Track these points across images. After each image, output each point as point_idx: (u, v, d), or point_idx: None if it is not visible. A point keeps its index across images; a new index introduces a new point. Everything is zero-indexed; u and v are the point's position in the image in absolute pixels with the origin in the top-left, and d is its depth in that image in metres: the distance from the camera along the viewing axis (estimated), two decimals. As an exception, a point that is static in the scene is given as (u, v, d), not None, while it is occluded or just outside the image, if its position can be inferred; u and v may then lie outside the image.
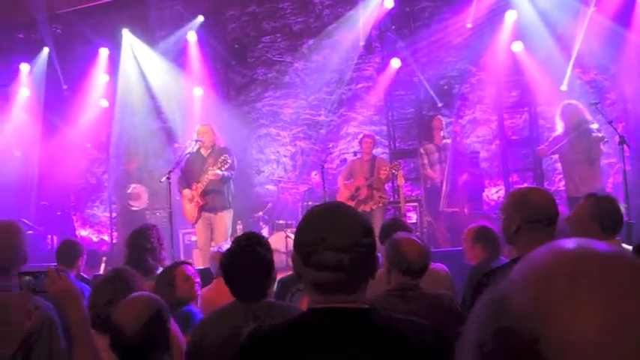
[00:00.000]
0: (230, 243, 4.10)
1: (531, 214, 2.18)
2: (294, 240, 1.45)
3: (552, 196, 2.31)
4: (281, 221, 7.97)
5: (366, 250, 1.39)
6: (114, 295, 2.44)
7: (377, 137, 8.28)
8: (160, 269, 3.82)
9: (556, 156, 7.89)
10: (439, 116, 7.60)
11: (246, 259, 2.40)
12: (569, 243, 0.59)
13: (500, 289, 0.59)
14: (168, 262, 4.05)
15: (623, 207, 4.25)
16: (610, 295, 0.53)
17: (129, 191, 8.37)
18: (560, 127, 6.35)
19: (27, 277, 2.15)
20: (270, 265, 2.43)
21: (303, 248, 1.41)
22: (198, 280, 3.27)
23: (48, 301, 2.23)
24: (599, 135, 6.07)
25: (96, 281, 3.05)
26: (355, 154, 7.84)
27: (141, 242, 3.79)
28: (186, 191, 6.46)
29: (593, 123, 6.13)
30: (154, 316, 1.96)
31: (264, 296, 2.39)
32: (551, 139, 6.50)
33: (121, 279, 2.56)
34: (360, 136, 7.68)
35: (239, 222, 7.68)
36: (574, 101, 6.51)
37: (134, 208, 8.30)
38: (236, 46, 9.79)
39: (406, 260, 2.70)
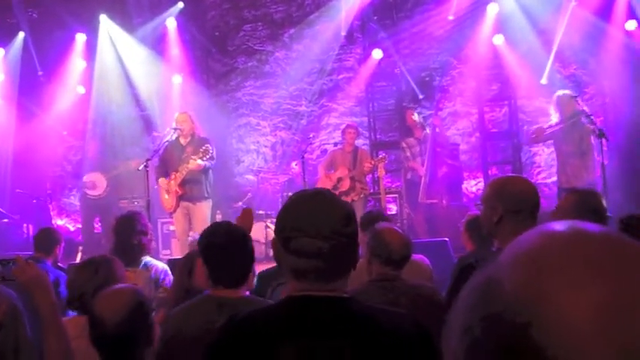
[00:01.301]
0: None
1: (513, 203, 2.12)
2: (275, 226, 1.43)
3: (533, 185, 2.29)
4: (261, 211, 7.92)
5: (346, 239, 1.37)
6: (95, 276, 2.42)
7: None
8: (147, 258, 3.77)
9: (535, 149, 7.98)
10: (410, 111, 7.58)
11: (227, 238, 2.37)
12: (560, 225, 0.57)
13: (488, 274, 0.56)
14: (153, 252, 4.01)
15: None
16: (604, 275, 0.51)
17: (84, 180, 8.25)
18: (554, 118, 6.32)
19: None
20: (251, 250, 2.41)
21: (282, 234, 1.39)
22: None
23: (16, 289, 2.17)
24: (590, 127, 6.05)
25: (74, 266, 2.99)
26: (336, 144, 7.82)
27: (128, 230, 3.71)
28: (162, 180, 6.37)
29: (587, 114, 6.10)
30: (135, 309, 1.92)
31: (244, 283, 2.36)
32: (546, 126, 6.45)
33: (100, 265, 2.52)
34: (343, 126, 7.66)
35: (218, 212, 7.61)
36: (568, 91, 6.51)
37: (91, 197, 8.17)
38: (216, 33, 9.68)
39: (388, 250, 2.68)
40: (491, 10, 8.15)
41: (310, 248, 1.34)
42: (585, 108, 6.27)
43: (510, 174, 8.12)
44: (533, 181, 8.12)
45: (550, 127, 6.33)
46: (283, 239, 1.38)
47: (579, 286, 0.50)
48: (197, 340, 2.20)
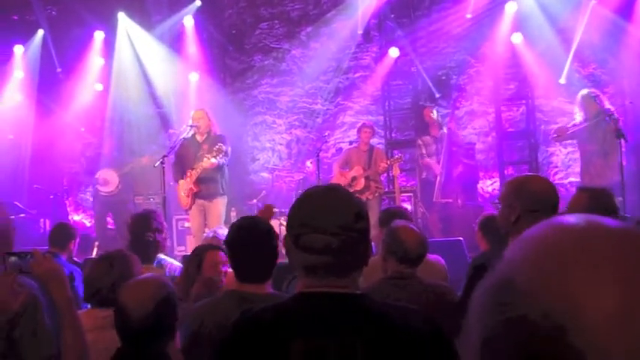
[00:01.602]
0: (224, 227, 4.06)
1: (532, 202, 2.09)
2: (287, 221, 1.42)
3: (553, 184, 2.26)
4: (275, 209, 7.92)
5: (357, 235, 1.35)
6: (111, 271, 2.43)
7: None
8: (161, 255, 3.79)
9: (552, 149, 7.90)
10: (429, 107, 7.56)
11: (253, 233, 2.36)
12: (574, 218, 0.54)
13: (501, 274, 0.54)
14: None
15: (618, 201, 4.23)
16: (627, 271, 0.48)
17: (96, 176, 8.31)
18: (579, 117, 6.25)
19: (12, 258, 2.13)
20: (276, 245, 2.40)
21: (293, 229, 1.38)
22: (225, 268, 3.15)
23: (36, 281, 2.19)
24: (615, 127, 5.93)
25: (91, 260, 3.02)
26: (351, 143, 7.80)
27: (143, 227, 3.71)
28: (182, 182, 6.42)
29: (612, 114, 6.02)
30: (162, 301, 1.91)
31: (268, 279, 2.34)
32: (569, 125, 6.40)
33: (118, 259, 2.54)
34: (359, 125, 7.64)
35: (233, 209, 7.64)
36: (594, 90, 6.44)
37: (103, 194, 8.22)
38: (233, 31, 9.70)
39: (403, 248, 2.67)
40: (510, 8, 8.07)
41: (319, 244, 1.32)
42: (610, 107, 6.19)
43: (529, 173, 8.06)
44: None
45: (574, 125, 6.27)
46: (294, 235, 1.37)
47: (603, 283, 0.48)
48: (215, 336, 2.20)
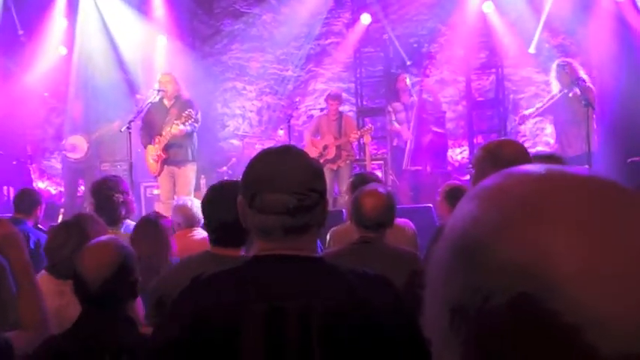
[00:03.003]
0: (193, 199, 4.01)
1: (504, 167, 2.09)
2: (241, 182, 1.37)
3: (525, 149, 2.26)
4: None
5: (314, 194, 1.31)
6: (69, 240, 2.39)
7: (343, 94, 8.20)
8: (128, 221, 3.73)
9: (518, 117, 7.97)
10: (404, 75, 7.55)
11: (231, 194, 2.31)
12: (535, 167, 0.49)
13: (466, 231, 0.48)
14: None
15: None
16: (596, 218, 0.44)
17: (63, 142, 8.14)
18: (555, 88, 6.37)
19: None
20: None
21: (248, 190, 1.33)
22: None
23: None
24: (579, 94, 6.01)
25: (53, 226, 2.97)
26: (322, 110, 7.76)
27: (107, 190, 3.65)
28: (150, 147, 6.32)
29: (584, 82, 6.13)
30: (119, 266, 1.89)
31: (243, 243, 2.31)
32: (546, 99, 6.54)
33: (78, 224, 2.49)
34: (326, 94, 7.59)
35: (202, 176, 7.56)
36: (568, 59, 6.54)
37: (71, 160, 8.06)
38: (202, -6, 9.46)
39: (363, 214, 2.66)
40: (483, -24, 8.03)
41: (276, 204, 1.28)
42: (584, 76, 6.28)
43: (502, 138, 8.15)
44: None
45: (551, 97, 6.39)
46: (248, 195, 1.32)
47: (572, 233, 0.44)
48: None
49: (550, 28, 8.00)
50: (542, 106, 6.51)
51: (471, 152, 8.34)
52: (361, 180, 3.47)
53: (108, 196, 3.60)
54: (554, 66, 6.44)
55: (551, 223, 0.44)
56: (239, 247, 2.31)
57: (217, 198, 2.30)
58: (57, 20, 8.98)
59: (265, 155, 1.39)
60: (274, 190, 1.30)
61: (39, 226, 4.76)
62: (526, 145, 8.26)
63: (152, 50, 8.94)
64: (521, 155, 2.15)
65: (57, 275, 2.44)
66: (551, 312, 0.42)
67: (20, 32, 8.94)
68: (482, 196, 0.49)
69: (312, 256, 1.37)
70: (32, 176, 9.11)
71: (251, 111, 9.47)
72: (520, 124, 7.10)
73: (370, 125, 7.30)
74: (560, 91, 6.27)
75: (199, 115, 6.30)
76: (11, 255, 1.94)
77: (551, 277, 0.43)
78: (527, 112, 6.84)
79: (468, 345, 0.46)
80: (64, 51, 9.00)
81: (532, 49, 7.76)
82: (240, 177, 1.39)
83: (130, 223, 3.78)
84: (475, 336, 0.46)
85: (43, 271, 2.63)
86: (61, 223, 2.61)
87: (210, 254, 2.32)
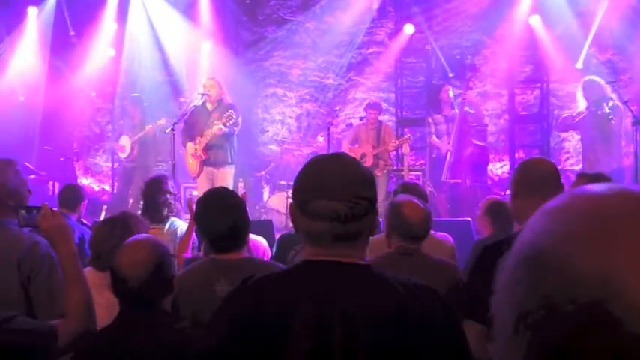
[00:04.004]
0: None
1: (537, 187, 2.16)
2: (293, 188, 1.39)
3: (557, 170, 2.29)
4: (282, 182, 7.94)
5: (365, 203, 1.32)
6: (113, 234, 2.46)
7: (383, 104, 8.20)
8: (173, 218, 3.87)
9: (565, 134, 7.84)
10: (447, 86, 7.50)
11: (221, 200, 2.40)
12: (600, 187, 0.53)
13: (532, 245, 0.52)
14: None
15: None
16: None
17: (116, 143, 8.37)
18: (581, 104, 6.37)
19: (22, 212, 2.15)
20: (245, 210, 2.42)
21: (299, 196, 1.35)
22: None
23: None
24: (608, 111, 6.05)
25: (99, 221, 3.07)
26: (361, 119, 7.77)
27: (152, 190, 3.87)
28: (189, 145, 6.43)
29: (613, 100, 6.11)
30: (156, 263, 1.94)
31: (242, 246, 2.38)
32: (574, 114, 6.54)
33: (123, 220, 2.56)
34: (365, 103, 7.60)
35: (240, 180, 7.65)
36: (595, 77, 6.49)
37: (122, 159, 8.27)
38: (247, 1, 9.60)
39: (406, 223, 2.65)
40: (530, -12, 7.94)
41: (326, 211, 1.29)
42: (613, 95, 6.24)
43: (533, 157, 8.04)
44: (560, 167, 7.99)
45: (578, 114, 6.37)
46: (300, 202, 1.34)
47: None
48: (196, 301, 2.23)
49: (598, 43, 7.84)
50: (577, 116, 6.47)
51: (511, 167, 8.22)
52: (405, 190, 3.45)
53: (153, 195, 3.74)
54: (582, 82, 6.47)
55: (621, 238, 0.48)
56: (239, 249, 2.36)
57: (208, 208, 2.39)
58: (107, 23, 9.24)
59: (317, 162, 1.40)
60: (326, 197, 1.30)
61: (82, 220, 4.89)
62: (569, 162, 8.13)
63: (197, 55, 9.12)
64: (552, 175, 2.22)
65: (100, 267, 2.51)
66: (618, 321, 0.45)
67: (72, 33, 9.24)
68: (554, 213, 0.53)
69: (361, 264, 1.36)
70: (77, 173, 9.36)
71: (290, 117, 9.54)
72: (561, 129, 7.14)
73: (409, 135, 7.26)
74: (587, 108, 6.27)
75: (240, 119, 6.38)
76: (60, 246, 1.99)
77: (621, 288, 0.46)
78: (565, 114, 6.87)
79: (532, 350, 0.50)
80: (112, 53, 9.25)
81: (579, 65, 7.62)
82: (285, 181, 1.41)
83: (175, 221, 3.89)
84: (540, 341, 0.49)
85: (88, 267, 2.71)
86: (107, 218, 2.70)
87: (213, 260, 2.39)
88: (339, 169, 1.34)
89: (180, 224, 3.90)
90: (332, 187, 1.31)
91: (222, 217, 2.35)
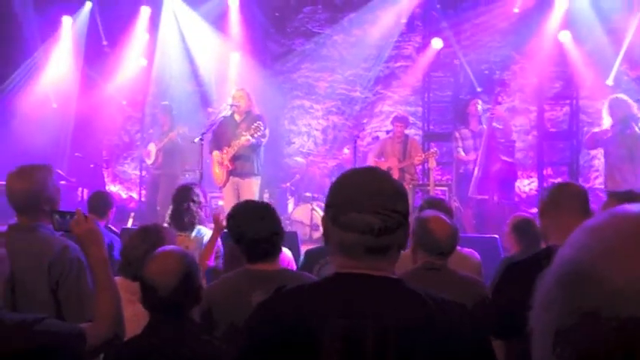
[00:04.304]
0: None
1: (566, 209, 2.24)
2: (326, 200, 1.40)
3: (585, 192, 2.33)
4: (307, 194, 7.96)
5: (397, 217, 1.32)
6: (144, 242, 2.50)
7: (410, 118, 8.18)
8: (200, 226, 3.92)
9: (595, 152, 7.72)
10: (476, 101, 7.44)
11: (258, 208, 2.41)
12: (634, 207, 0.55)
13: (570, 263, 0.53)
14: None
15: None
16: None
17: (146, 148, 8.50)
18: (606, 122, 6.29)
19: (56, 216, 2.19)
20: (280, 221, 2.44)
21: (333, 208, 1.35)
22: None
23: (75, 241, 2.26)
24: (638, 131, 5.97)
25: (129, 231, 3.13)
26: (388, 132, 7.76)
27: (181, 198, 3.96)
28: (216, 153, 6.48)
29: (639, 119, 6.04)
30: (184, 273, 1.96)
31: (276, 255, 2.39)
32: (597, 130, 6.46)
33: (151, 233, 2.60)
34: (392, 117, 7.59)
35: (266, 191, 7.69)
36: (622, 95, 6.39)
37: (150, 167, 8.39)
38: (276, 14, 9.70)
39: (433, 239, 2.63)
40: (560, 4, 7.87)
41: (360, 223, 1.30)
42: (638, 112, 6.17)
43: (565, 178, 7.92)
44: (589, 185, 7.88)
45: (604, 132, 6.32)
46: (333, 214, 1.34)
47: None
48: (231, 313, 2.23)
49: (630, 59, 7.73)
50: (601, 135, 6.40)
51: (539, 184, 8.12)
52: (431, 205, 3.43)
53: (181, 202, 3.80)
54: (609, 100, 6.37)
55: None
56: (274, 259, 2.37)
57: (243, 217, 2.41)
58: (139, 33, 9.42)
59: (351, 175, 1.41)
60: (359, 209, 1.31)
61: (110, 226, 4.96)
62: (599, 180, 8.00)
63: (226, 66, 9.23)
64: (580, 196, 2.30)
65: (129, 275, 2.54)
66: None
67: (104, 43, 9.44)
68: (594, 231, 0.55)
69: (393, 277, 1.36)
70: (105, 180, 9.51)
71: (317, 129, 9.58)
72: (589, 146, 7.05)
73: (435, 149, 7.22)
74: (612, 126, 6.19)
75: (267, 131, 6.43)
76: (91, 251, 2.01)
77: None
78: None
79: None
80: (144, 62, 9.42)
81: (610, 81, 7.51)
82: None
83: (202, 229, 3.94)
84: (578, 357, 0.50)
85: (117, 277, 2.75)
86: (140, 228, 2.74)
87: (247, 270, 2.40)
88: (372, 182, 1.35)
89: (207, 232, 3.95)
90: (365, 200, 1.32)
91: (259, 223, 2.38)
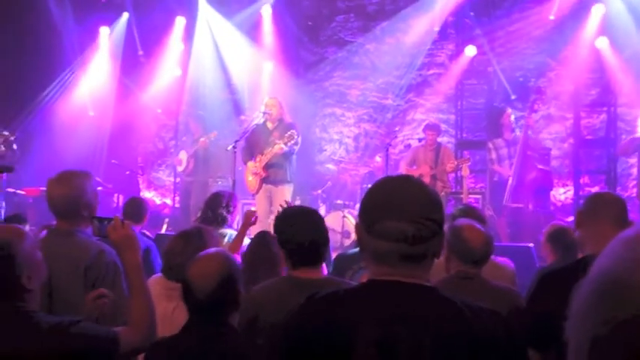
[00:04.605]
0: None
1: (604, 219, 2.21)
2: (360, 208, 1.40)
3: (623, 202, 2.29)
4: (339, 201, 7.96)
5: (432, 225, 1.31)
6: (187, 247, 2.54)
7: (443, 126, 8.12)
8: (222, 228, 3.98)
9: (633, 160, 7.54)
10: (509, 111, 7.35)
11: (303, 215, 2.40)
12: None
13: (608, 273, 0.53)
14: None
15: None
16: None
17: (177, 156, 8.64)
18: None
19: (96, 222, 2.24)
20: (325, 228, 2.43)
21: (367, 216, 1.35)
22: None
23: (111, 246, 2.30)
24: None
25: (171, 235, 3.18)
26: (420, 140, 7.71)
27: (212, 204, 4.09)
28: (250, 164, 6.55)
29: None
30: (225, 276, 1.98)
31: (321, 262, 2.37)
32: (629, 137, 6.33)
33: (198, 235, 2.65)
34: (424, 125, 7.54)
35: (297, 198, 7.72)
36: None
37: (179, 172, 8.52)
38: (309, 23, 9.77)
39: (467, 247, 2.60)
40: (597, 11, 7.73)
41: (394, 231, 1.29)
42: None
43: (602, 187, 7.75)
44: (627, 194, 7.69)
45: (637, 138, 6.19)
46: (368, 221, 1.34)
47: None
48: (273, 320, 2.23)
49: (669, 66, 7.54)
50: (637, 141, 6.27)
51: (575, 192, 7.96)
52: (463, 213, 3.39)
53: (212, 209, 3.86)
54: None
55: None
56: (317, 266, 2.36)
57: (289, 221, 2.39)
58: (174, 43, 9.60)
59: (386, 183, 1.41)
60: (394, 217, 1.30)
61: (145, 232, 5.04)
62: (636, 189, 7.79)
63: (259, 74, 9.32)
64: (618, 206, 2.27)
65: (171, 277, 2.58)
66: None
67: (140, 53, 9.64)
68: (630, 242, 0.55)
69: (428, 285, 1.36)
70: (140, 186, 9.68)
71: (348, 137, 9.59)
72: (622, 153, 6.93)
73: (468, 156, 7.14)
74: None
75: (300, 139, 6.47)
76: (127, 256, 2.05)
77: None
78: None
79: None
80: (178, 72, 9.58)
81: (648, 89, 7.34)
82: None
83: (233, 234, 4.00)
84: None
85: (155, 275, 2.79)
86: (182, 232, 2.79)
87: (291, 278, 2.40)
88: (407, 189, 1.35)
89: (230, 231, 4.06)
90: (400, 208, 1.31)
91: (305, 229, 2.37)
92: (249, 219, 3.87)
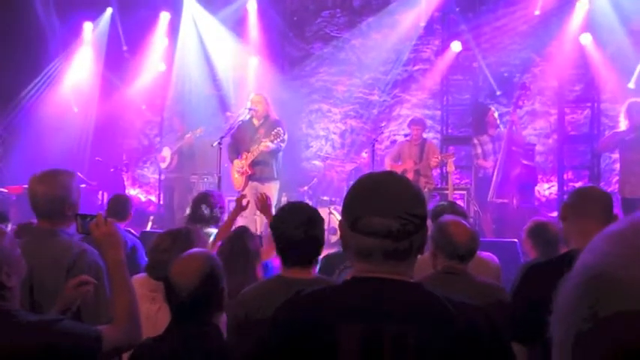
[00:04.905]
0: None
1: (590, 215, 2.20)
2: (343, 205, 1.39)
3: (610, 198, 2.30)
4: (325, 197, 7.96)
5: (416, 221, 1.31)
6: (173, 247, 2.52)
7: (428, 122, 8.14)
8: (207, 228, 3.96)
9: (616, 155, 7.62)
10: (493, 109, 7.40)
11: (299, 213, 2.38)
12: None
13: (592, 268, 0.53)
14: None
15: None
16: None
17: (161, 153, 8.59)
18: (623, 125, 6.23)
19: (79, 219, 2.22)
20: (322, 229, 2.41)
21: (351, 212, 1.34)
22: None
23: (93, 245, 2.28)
24: None
25: (158, 234, 3.15)
26: (406, 136, 7.73)
27: (200, 204, 4.11)
28: (237, 162, 6.53)
29: None
30: (207, 275, 1.97)
31: (314, 263, 2.37)
32: (610, 133, 6.40)
33: (181, 237, 2.63)
34: (409, 120, 7.55)
35: (284, 194, 7.71)
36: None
37: (162, 168, 8.47)
38: (294, 18, 9.73)
39: (452, 243, 2.62)
40: (581, 7, 7.79)
41: (379, 227, 1.29)
42: None
43: (586, 182, 7.82)
44: (610, 188, 7.76)
45: (616, 133, 6.34)
46: (351, 218, 1.34)
47: None
48: (264, 321, 2.22)
49: (652, 62, 7.61)
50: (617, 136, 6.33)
51: (560, 188, 8.02)
52: (442, 210, 3.41)
53: (198, 208, 3.85)
54: (627, 103, 6.30)
55: None
56: (309, 266, 2.35)
57: (285, 217, 2.37)
58: (159, 38, 9.52)
59: (369, 179, 1.41)
60: (378, 213, 1.30)
61: (130, 229, 5.01)
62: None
63: (244, 70, 9.29)
64: (603, 201, 2.28)
65: (154, 276, 2.56)
66: None
67: (124, 48, 9.56)
68: (615, 237, 0.55)
69: (411, 282, 1.36)
70: (125, 183, 9.61)
71: (335, 133, 9.58)
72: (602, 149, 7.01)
73: (453, 151, 7.17)
74: (629, 130, 6.14)
75: (286, 136, 6.46)
76: (109, 253, 2.03)
77: None
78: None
79: None
80: (163, 67, 9.51)
81: (632, 84, 7.41)
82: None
83: (208, 230, 3.99)
84: (599, 357, 0.51)
85: (139, 275, 2.77)
86: (170, 231, 2.77)
87: (282, 278, 2.38)
88: (390, 186, 1.35)
89: (214, 230, 4.04)
90: (384, 204, 1.31)
91: (300, 227, 2.33)
92: (241, 203, 3.87)
